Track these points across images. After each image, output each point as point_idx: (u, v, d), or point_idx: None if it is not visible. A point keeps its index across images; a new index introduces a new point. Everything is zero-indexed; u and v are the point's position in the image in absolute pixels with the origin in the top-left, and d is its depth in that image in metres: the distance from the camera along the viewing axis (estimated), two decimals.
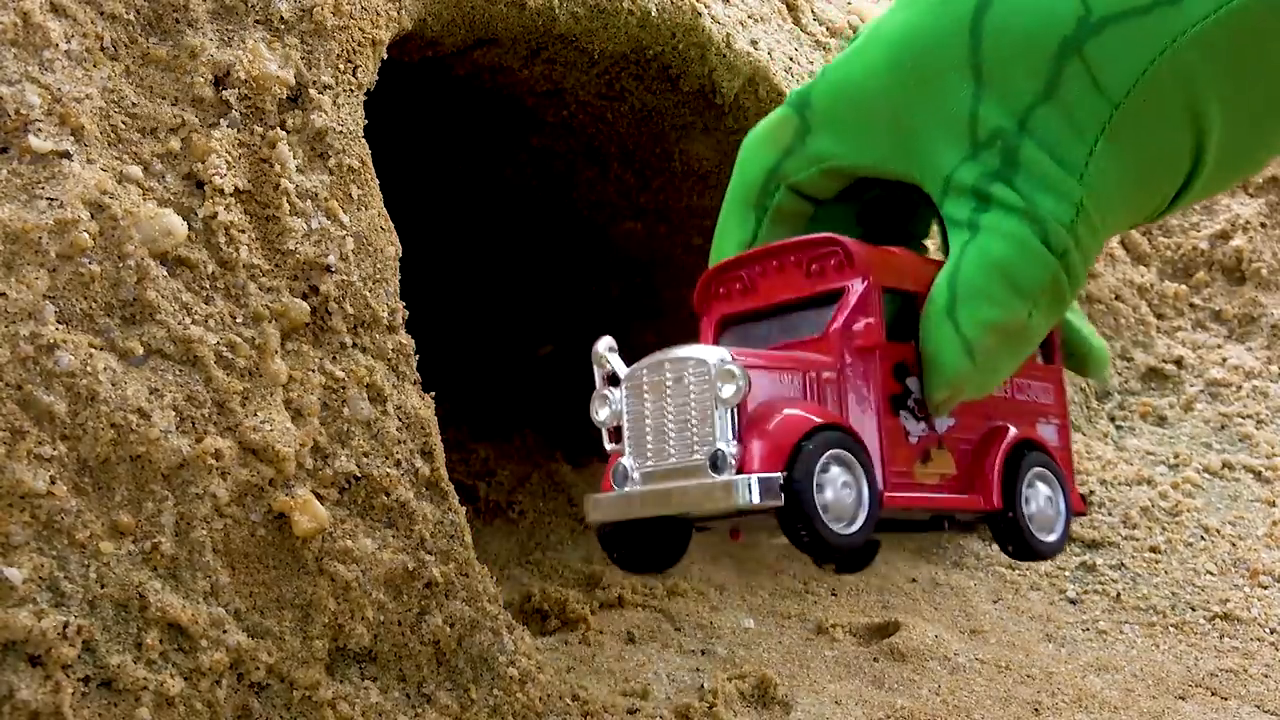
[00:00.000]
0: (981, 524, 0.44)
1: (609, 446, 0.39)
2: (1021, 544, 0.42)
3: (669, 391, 0.39)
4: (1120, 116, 0.42)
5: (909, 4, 0.45)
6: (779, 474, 0.36)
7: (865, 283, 0.41)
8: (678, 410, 0.39)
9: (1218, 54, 0.41)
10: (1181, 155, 0.43)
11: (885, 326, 0.41)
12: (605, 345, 0.40)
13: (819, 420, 0.38)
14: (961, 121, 0.44)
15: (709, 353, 0.38)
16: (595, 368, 0.40)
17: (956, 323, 0.43)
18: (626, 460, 0.39)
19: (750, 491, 0.36)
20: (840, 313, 0.41)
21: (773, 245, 0.43)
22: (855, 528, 0.38)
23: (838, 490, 0.37)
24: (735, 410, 0.37)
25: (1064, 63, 0.43)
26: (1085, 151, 0.43)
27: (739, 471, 0.37)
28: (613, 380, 0.40)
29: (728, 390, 0.37)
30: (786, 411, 0.38)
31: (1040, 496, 0.43)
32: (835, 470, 0.37)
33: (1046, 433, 0.45)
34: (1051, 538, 0.42)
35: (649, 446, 0.39)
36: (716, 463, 0.37)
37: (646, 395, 0.39)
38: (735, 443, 0.37)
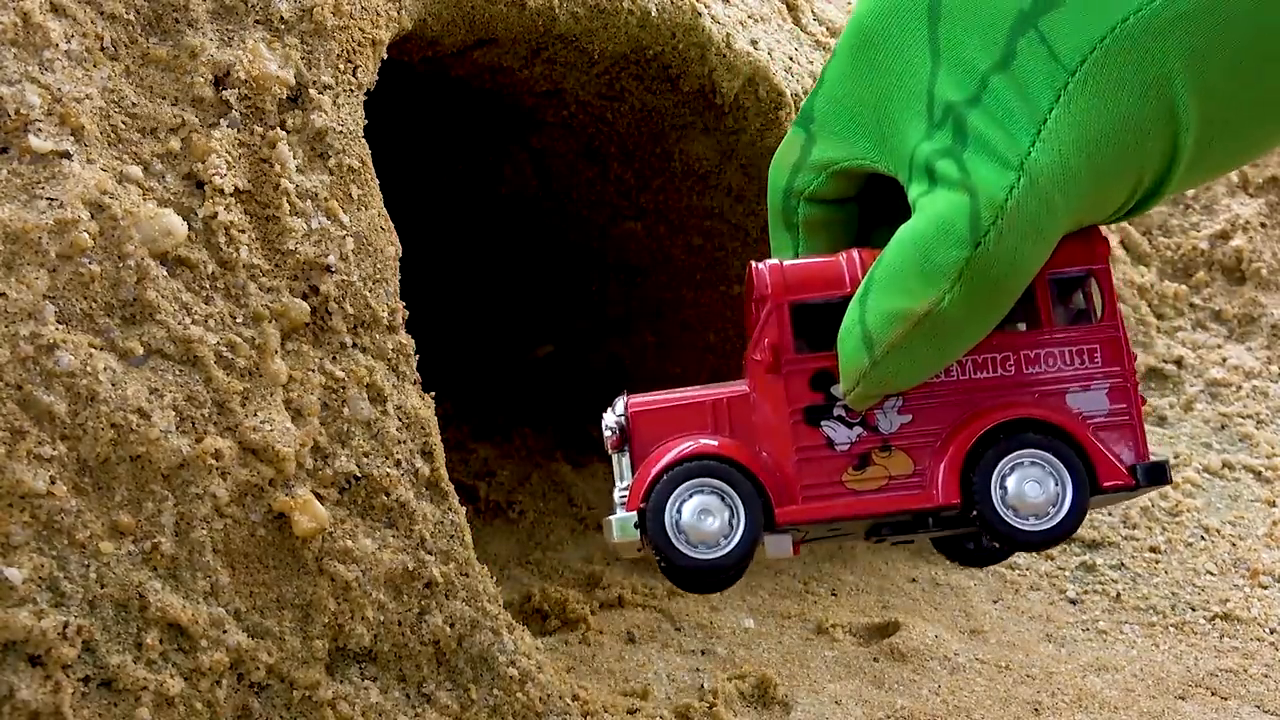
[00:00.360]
0: (965, 524, 0.42)
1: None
2: (1000, 536, 0.40)
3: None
4: (1076, 84, 0.40)
5: None
6: (634, 512, 0.40)
7: (768, 304, 0.41)
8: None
9: (1191, 38, 0.40)
10: (1151, 135, 0.41)
11: (798, 340, 0.41)
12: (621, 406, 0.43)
13: (683, 453, 0.40)
14: (920, 99, 0.43)
15: (617, 401, 0.42)
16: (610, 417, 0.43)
17: (863, 312, 0.42)
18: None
19: (613, 530, 0.40)
20: (751, 337, 0.42)
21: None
22: (721, 552, 0.39)
23: (695, 517, 0.39)
24: (629, 453, 0.41)
25: (1020, 34, 0.41)
26: (1039, 119, 0.40)
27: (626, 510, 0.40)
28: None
29: (614, 417, 0.41)
30: (658, 449, 0.41)
31: (1027, 480, 0.41)
32: (698, 499, 0.39)
33: (1083, 402, 0.42)
34: (1042, 524, 0.40)
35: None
36: (614, 503, 0.41)
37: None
38: (625, 484, 0.41)
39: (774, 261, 0.43)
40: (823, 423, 0.41)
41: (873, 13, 0.44)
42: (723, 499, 0.40)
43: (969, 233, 0.40)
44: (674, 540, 0.39)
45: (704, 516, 0.39)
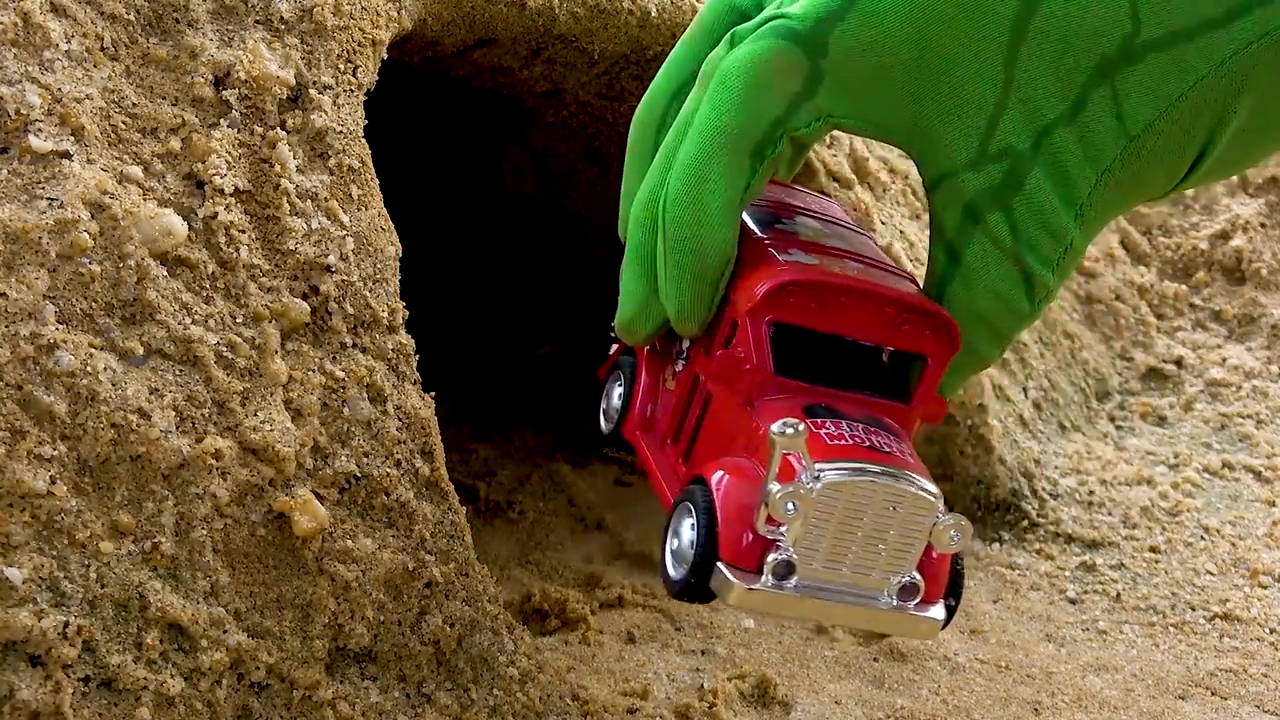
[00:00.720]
0: None
1: (767, 532, 0.36)
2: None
3: (877, 515, 0.36)
4: (1133, 148, 0.40)
5: None
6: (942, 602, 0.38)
7: (944, 357, 0.40)
8: (876, 533, 0.36)
9: (1256, 74, 0.39)
10: (1185, 163, 0.41)
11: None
12: (790, 430, 0.35)
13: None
14: (979, 122, 0.41)
15: (934, 495, 0.36)
16: (776, 450, 0.35)
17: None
18: (792, 557, 0.36)
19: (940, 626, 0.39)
20: (926, 386, 0.40)
21: (872, 287, 0.40)
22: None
23: None
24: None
25: (1095, 85, 0.40)
26: (1090, 184, 0.41)
27: (924, 600, 0.38)
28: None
29: (947, 541, 0.36)
30: None
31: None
32: None
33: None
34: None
35: (824, 555, 0.36)
36: (906, 593, 0.37)
37: (845, 511, 0.36)
38: (918, 574, 0.37)
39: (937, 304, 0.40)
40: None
41: (961, 6, 0.40)
42: None
43: (1029, 307, 0.41)
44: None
45: None
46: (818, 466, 0.35)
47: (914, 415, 0.40)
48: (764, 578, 0.36)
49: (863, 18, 0.39)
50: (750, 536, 0.36)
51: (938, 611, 0.38)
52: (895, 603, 0.37)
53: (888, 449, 0.37)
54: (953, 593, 0.38)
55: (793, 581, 0.36)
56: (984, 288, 0.41)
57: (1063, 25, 0.40)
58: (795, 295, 0.38)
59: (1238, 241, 1.08)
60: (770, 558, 0.36)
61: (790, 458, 0.35)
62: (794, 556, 0.36)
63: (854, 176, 0.76)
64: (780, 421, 0.35)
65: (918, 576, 0.37)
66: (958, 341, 0.40)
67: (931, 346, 0.39)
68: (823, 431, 0.36)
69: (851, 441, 0.36)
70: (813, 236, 0.43)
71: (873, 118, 0.41)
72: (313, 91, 0.49)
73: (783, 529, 0.35)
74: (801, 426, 0.35)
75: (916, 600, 0.37)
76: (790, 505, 0.35)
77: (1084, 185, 0.40)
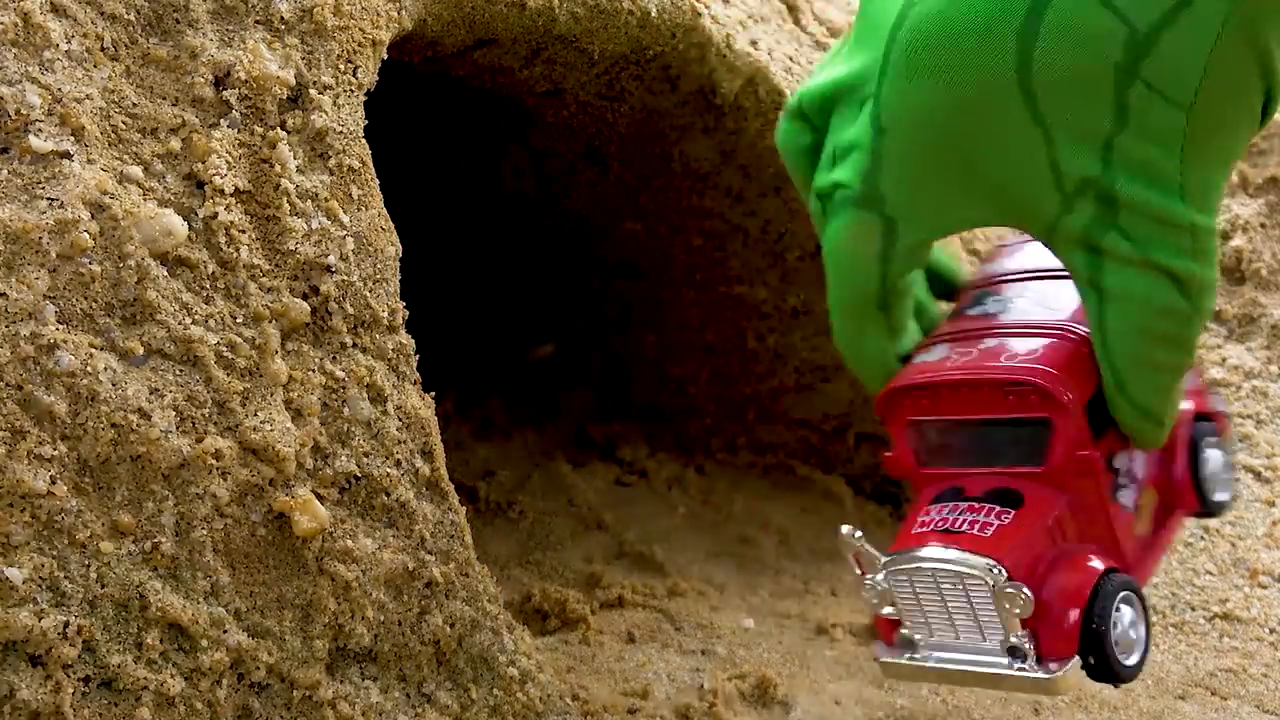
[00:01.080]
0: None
1: (882, 613, 0.41)
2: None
3: (945, 591, 0.40)
4: (1195, 116, 0.40)
5: (928, 73, 0.42)
6: (1075, 658, 0.39)
7: (1067, 412, 0.41)
8: (956, 605, 0.40)
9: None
10: (1257, 92, 0.41)
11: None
12: (850, 534, 0.41)
13: (1101, 571, 0.39)
14: (1043, 172, 0.42)
15: (982, 568, 0.39)
16: (845, 552, 0.41)
17: (1132, 401, 0.43)
18: (908, 631, 0.41)
19: (1068, 682, 0.39)
20: (1056, 445, 0.41)
21: (966, 374, 0.43)
22: (1139, 654, 0.40)
23: (1125, 628, 0.40)
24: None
25: (1126, 90, 0.41)
26: (1175, 166, 0.41)
27: (1039, 658, 0.39)
28: (865, 562, 0.42)
29: (1016, 608, 0.38)
30: (1060, 585, 0.39)
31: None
32: (1126, 610, 0.40)
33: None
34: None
35: (932, 627, 0.41)
36: (1015, 654, 0.39)
37: (920, 591, 0.41)
38: (1025, 635, 0.39)
39: (1039, 366, 0.42)
40: (1118, 494, 0.43)
41: (954, 103, 0.42)
42: (1133, 606, 0.40)
43: (1187, 303, 0.42)
44: (1117, 654, 0.40)
45: (1132, 625, 0.40)
46: (886, 558, 0.40)
47: (1056, 473, 0.41)
48: (895, 651, 0.41)
49: (894, 160, 0.43)
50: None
51: (1062, 667, 0.39)
52: (1011, 663, 0.40)
53: (961, 528, 0.40)
54: (1089, 649, 0.39)
55: (920, 653, 0.41)
56: (1137, 305, 0.42)
57: (1062, 66, 0.41)
58: (912, 395, 0.43)
59: (1238, 241, 1.08)
60: (897, 635, 0.41)
61: (859, 554, 0.41)
62: (911, 633, 0.41)
63: None
64: (843, 526, 0.41)
65: (1022, 637, 0.39)
66: (1059, 398, 0.41)
67: (1042, 408, 0.41)
68: (918, 519, 0.41)
69: (932, 526, 0.40)
70: (980, 314, 0.46)
71: (953, 223, 0.44)
72: (313, 91, 0.49)
73: (890, 610, 0.41)
74: (858, 532, 0.41)
75: (1029, 659, 0.39)
76: (871, 595, 0.41)
77: (1169, 169, 0.41)
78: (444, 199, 0.89)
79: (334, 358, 0.47)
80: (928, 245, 0.45)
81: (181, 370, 0.43)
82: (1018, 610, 0.39)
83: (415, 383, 0.50)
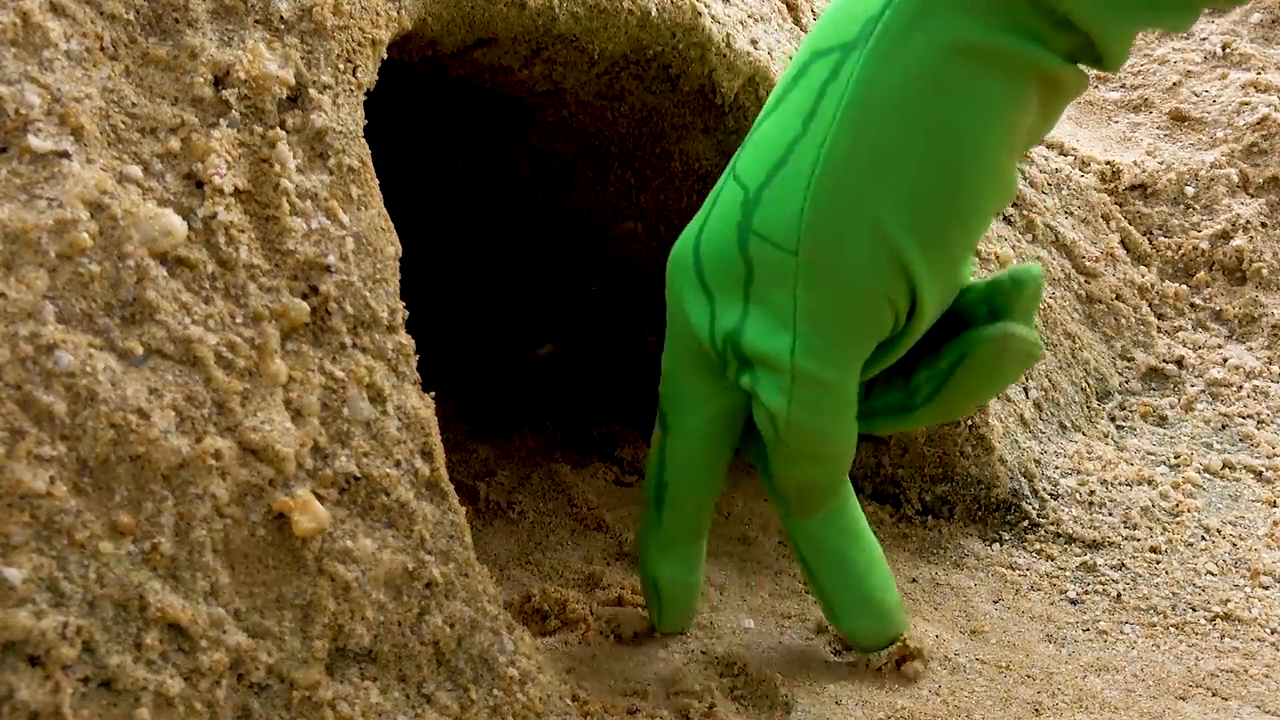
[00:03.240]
0: None
1: None
2: None
3: None
4: (803, 260, 0.46)
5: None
6: None
7: None
8: None
9: (858, 161, 0.45)
10: (881, 270, 0.46)
11: None
12: None
13: None
14: (704, 332, 0.51)
15: None
16: None
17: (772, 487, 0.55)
18: None
19: None
20: None
21: None
22: None
23: None
24: None
25: (745, 245, 0.48)
26: (790, 308, 0.48)
27: None
28: None
29: None
30: None
31: None
32: None
33: None
34: None
35: None
36: None
37: None
38: None
39: None
40: None
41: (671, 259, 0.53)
42: None
43: (777, 438, 0.51)
44: None
45: None
46: None
47: None
48: None
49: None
50: None
51: None
52: None
53: None
54: None
55: None
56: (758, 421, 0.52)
57: (711, 237, 0.50)
58: None
59: (1238, 241, 1.08)
60: None
61: None
62: None
63: None
64: None
65: None
66: None
67: None
68: None
69: None
70: None
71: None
72: (312, 91, 0.49)
73: None
74: None
75: None
76: None
77: (786, 309, 0.48)
78: (444, 199, 0.88)
79: (334, 358, 0.47)
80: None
81: (181, 370, 0.43)
82: None
83: (415, 383, 0.50)
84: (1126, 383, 0.99)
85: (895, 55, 0.44)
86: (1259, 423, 0.94)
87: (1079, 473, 0.85)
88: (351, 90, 0.51)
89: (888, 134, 0.44)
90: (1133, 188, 1.12)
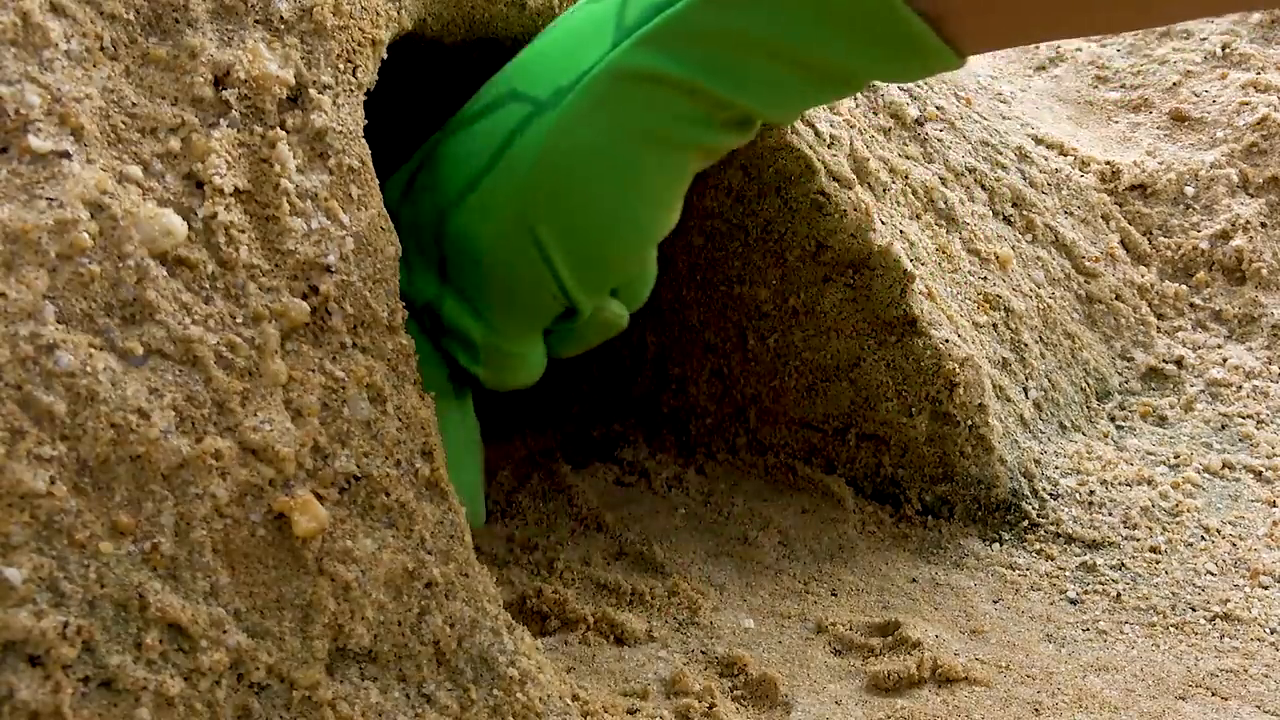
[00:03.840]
0: None
1: None
2: None
3: None
4: (485, 267, 0.54)
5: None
6: None
7: None
8: None
9: (534, 204, 0.53)
10: (543, 275, 0.54)
11: None
12: None
13: None
14: (403, 282, 0.55)
15: None
16: None
17: None
18: None
19: None
20: None
21: None
22: None
23: None
24: None
25: (441, 240, 0.55)
26: (481, 301, 0.55)
27: None
28: None
29: None
30: None
31: None
32: None
33: None
34: None
35: None
36: None
37: None
38: None
39: None
40: None
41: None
42: None
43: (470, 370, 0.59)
44: None
45: None
46: None
47: None
48: None
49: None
50: None
51: None
52: None
53: None
54: None
55: None
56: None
57: (425, 195, 0.57)
58: None
59: (1238, 241, 1.08)
60: None
61: None
62: None
63: (854, 176, 0.76)
64: None
65: None
66: None
67: None
68: None
69: None
70: None
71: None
72: (312, 91, 0.49)
73: None
74: None
75: None
76: None
77: (479, 301, 0.56)
78: None
79: (334, 358, 0.47)
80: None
81: (181, 370, 0.43)
82: None
83: (415, 383, 0.50)
84: (1126, 383, 0.99)
85: (580, 128, 0.51)
86: (1259, 423, 0.94)
87: (1079, 473, 0.85)
88: (351, 90, 0.51)
89: (564, 188, 0.52)
90: (1132, 188, 1.12)
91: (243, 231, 0.46)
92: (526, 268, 0.54)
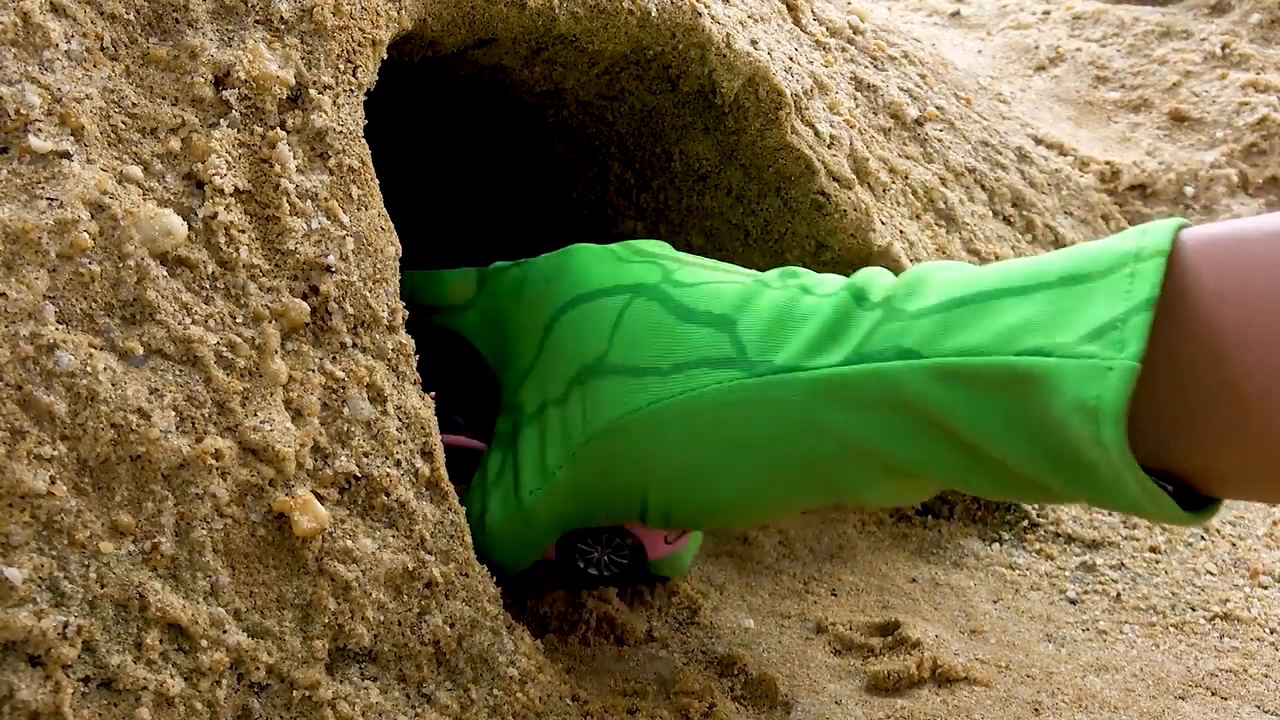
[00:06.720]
0: None
1: None
2: None
3: None
4: (582, 450, 0.52)
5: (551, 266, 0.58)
6: None
7: None
8: None
9: (671, 424, 0.51)
10: (626, 499, 0.53)
11: None
12: None
13: None
14: (516, 377, 0.56)
15: None
16: None
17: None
18: None
19: None
20: None
21: None
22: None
23: None
24: None
25: (575, 386, 0.53)
26: (560, 460, 0.53)
27: None
28: None
29: None
30: None
31: None
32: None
33: None
34: None
35: None
36: None
37: None
38: None
39: None
40: None
41: (534, 271, 0.58)
42: None
43: (474, 530, 0.54)
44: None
45: None
46: None
47: None
48: None
49: (491, 293, 0.61)
50: None
51: None
52: None
53: None
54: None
55: None
56: (495, 506, 0.56)
57: (568, 331, 0.55)
58: None
59: None
60: None
61: None
62: None
63: (854, 176, 0.76)
64: None
65: None
66: None
67: None
68: None
69: None
70: None
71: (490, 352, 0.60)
72: (313, 91, 0.49)
73: None
74: None
75: None
76: None
77: (555, 456, 0.53)
78: (444, 199, 0.88)
79: (334, 358, 0.47)
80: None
81: (181, 370, 0.43)
82: None
83: (415, 383, 0.50)
84: None
85: (773, 412, 0.50)
86: None
87: None
88: (351, 90, 0.51)
89: (705, 454, 0.51)
90: (1132, 188, 1.12)
91: (243, 231, 0.46)
92: (627, 494, 0.53)
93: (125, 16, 0.46)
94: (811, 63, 0.80)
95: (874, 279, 0.49)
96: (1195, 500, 0.42)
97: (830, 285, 0.51)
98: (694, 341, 0.51)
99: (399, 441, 0.48)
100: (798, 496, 0.51)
